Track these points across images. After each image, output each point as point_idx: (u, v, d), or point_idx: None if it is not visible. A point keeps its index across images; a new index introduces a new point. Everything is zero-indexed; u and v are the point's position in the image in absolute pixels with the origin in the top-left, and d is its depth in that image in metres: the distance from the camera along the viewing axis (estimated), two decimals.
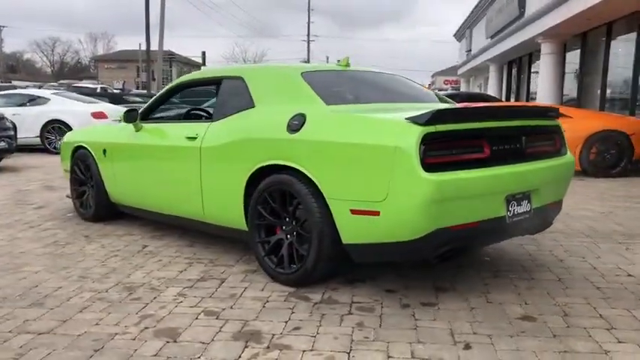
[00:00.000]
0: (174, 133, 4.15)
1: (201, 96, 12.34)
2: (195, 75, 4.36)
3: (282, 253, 3.38)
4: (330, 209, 3.08)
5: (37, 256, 4.07)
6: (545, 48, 14.34)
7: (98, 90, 29.35)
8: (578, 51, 14.16)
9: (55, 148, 11.71)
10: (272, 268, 3.42)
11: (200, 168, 3.85)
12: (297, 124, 3.25)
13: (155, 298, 3.19)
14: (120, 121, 4.70)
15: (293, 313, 2.94)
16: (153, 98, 4.69)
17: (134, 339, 2.65)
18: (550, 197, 3.47)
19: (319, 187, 3.11)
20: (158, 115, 5.00)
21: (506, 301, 3.09)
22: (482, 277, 3.52)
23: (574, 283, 3.41)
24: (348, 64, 4.08)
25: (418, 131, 2.76)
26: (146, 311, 2.99)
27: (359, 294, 3.22)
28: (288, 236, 3.39)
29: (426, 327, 2.75)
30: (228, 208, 3.71)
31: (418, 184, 2.72)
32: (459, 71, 35.08)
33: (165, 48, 29.08)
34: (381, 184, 2.84)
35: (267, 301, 3.11)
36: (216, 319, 2.88)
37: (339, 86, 3.66)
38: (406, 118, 2.85)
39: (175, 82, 4.51)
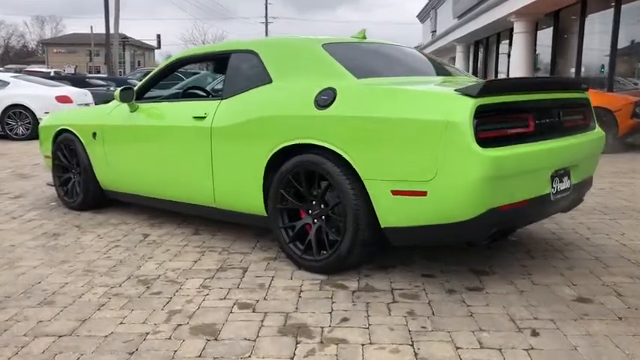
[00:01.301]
0: (178, 112, 3.84)
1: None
2: (197, 50, 4.04)
3: (310, 239, 3.15)
4: (367, 191, 2.86)
5: (29, 249, 3.72)
6: (518, 27, 14.36)
7: (52, 74, 28.13)
8: (551, 29, 14.24)
9: (16, 134, 11.09)
10: (298, 255, 3.19)
11: (211, 150, 3.56)
12: (326, 99, 3.01)
13: (177, 291, 2.92)
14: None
15: (334, 302, 2.73)
16: (147, 76, 4.35)
17: (169, 338, 2.39)
18: (585, 173, 3.34)
19: (354, 167, 2.88)
20: (150, 95, 4.65)
21: (553, 283, 2.95)
22: (516, 258, 3.37)
23: (611, 261, 3.30)
24: (364, 37, 3.84)
25: (471, 104, 2.56)
26: (172, 306, 2.72)
27: (396, 280, 3.02)
28: (316, 220, 3.16)
29: (481, 313, 2.58)
30: (244, 193, 3.44)
31: (473, 161, 2.53)
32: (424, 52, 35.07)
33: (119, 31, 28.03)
34: (429, 162, 2.63)
35: (302, 291, 2.88)
36: (253, 312, 2.64)
37: (363, 59, 3.42)
38: (456, 90, 2.65)
39: (173, 57, 4.18)
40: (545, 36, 14.67)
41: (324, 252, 3.10)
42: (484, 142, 2.58)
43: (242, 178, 3.43)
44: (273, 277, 3.11)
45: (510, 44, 16.28)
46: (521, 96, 2.81)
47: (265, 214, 3.40)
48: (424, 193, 2.68)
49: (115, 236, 4.01)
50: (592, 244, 3.65)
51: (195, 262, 3.40)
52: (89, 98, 12.13)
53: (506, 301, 2.72)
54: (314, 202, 3.16)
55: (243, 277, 3.12)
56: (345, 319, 2.54)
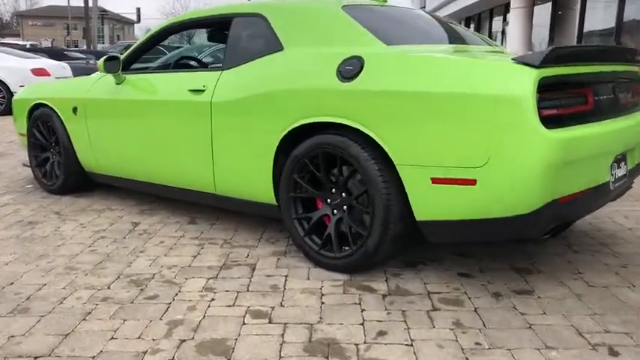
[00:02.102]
0: (171, 85, 3.36)
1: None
2: (195, 13, 3.54)
3: (330, 233, 2.73)
4: (401, 178, 2.44)
5: (0, 240, 3.24)
6: (515, 2, 13.91)
7: (28, 47, 27.05)
8: (549, 4, 13.82)
9: None
10: (315, 251, 2.76)
11: (211, 128, 3.10)
12: (351, 69, 2.56)
13: (176, 295, 2.48)
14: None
15: (364, 310, 2.31)
16: (135, 44, 3.84)
17: (172, 359, 1.96)
18: (638, 157, 2.95)
19: (386, 150, 2.45)
20: (138, 66, 4.16)
21: (611, 284, 2.57)
22: (557, 252, 2.99)
23: None
24: (385, 1, 3.38)
25: (534, 75, 2.13)
26: (172, 315, 2.29)
27: (430, 280, 2.62)
28: (335, 211, 2.73)
29: (541, 325, 2.18)
30: (250, 179, 3.00)
31: (537, 144, 2.11)
32: None
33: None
34: (480, 145, 2.21)
35: (323, 295, 2.47)
36: (270, 322, 2.21)
37: (390, 24, 2.96)
38: (514, 59, 2.22)
39: (167, 22, 3.68)
40: (543, 11, 14.25)
41: (346, 248, 2.68)
42: (546, 121, 2.17)
43: (248, 162, 2.98)
44: (286, 276, 2.68)
45: (504, 20, 15.85)
46: (582, 67, 2.39)
47: (275, 203, 2.96)
48: (472, 182, 2.26)
49: (101, 225, 3.55)
50: (638, 235, 3.28)
51: (195, 257, 2.96)
52: (68, 72, 11.49)
53: (565, 307, 2.33)
54: (334, 191, 2.73)
55: (252, 276, 2.69)
56: (381, 333, 2.12)
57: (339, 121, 2.57)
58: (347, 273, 2.69)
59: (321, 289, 2.53)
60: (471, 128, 2.22)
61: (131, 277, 2.69)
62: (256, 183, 2.98)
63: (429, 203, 2.40)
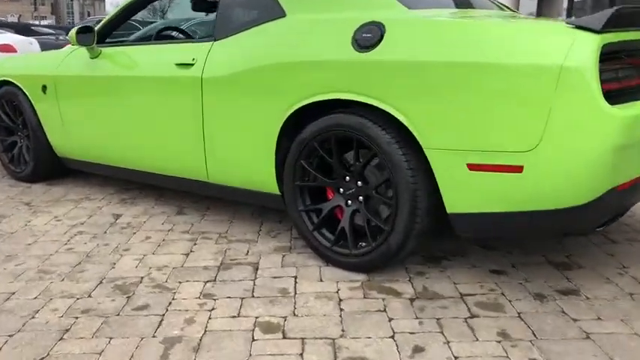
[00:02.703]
0: (155, 58, 2.96)
1: None
2: None
3: (343, 227, 2.39)
4: (431, 164, 2.10)
5: None
6: None
7: None
8: None
9: None
10: (326, 248, 2.43)
11: (202, 108, 2.72)
12: (370, 37, 2.19)
13: (170, 303, 2.13)
14: None
15: (392, 319, 1.99)
16: (111, 13, 3.41)
17: None
18: None
19: (412, 131, 2.10)
20: (115, 39, 3.73)
21: None
22: (593, 242, 2.69)
23: None
24: None
25: (596, 42, 1.80)
26: (167, 330, 1.93)
27: (460, 280, 2.30)
28: (350, 202, 2.39)
29: (601, 334, 1.88)
30: (248, 165, 2.64)
31: (601, 123, 1.78)
32: None
33: None
34: (529, 124, 1.87)
35: (341, 300, 2.13)
36: (284, 337, 1.88)
37: None
38: (568, 23, 1.88)
39: None
40: None
41: (363, 244, 2.34)
42: (609, 96, 1.84)
43: (246, 146, 2.61)
44: (295, 277, 2.34)
45: None
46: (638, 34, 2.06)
47: (278, 193, 2.61)
48: (519, 169, 1.93)
49: (78, 217, 3.15)
50: None
51: (187, 255, 2.60)
52: (36, 47, 10.83)
53: (620, 311, 2.04)
54: (347, 179, 2.38)
55: (256, 278, 2.34)
56: (418, 349, 1.80)
57: (355, 99, 2.21)
58: (364, 272, 2.36)
59: (337, 292, 2.20)
60: (518, 105, 1.88)
61: (115, 282, 2.32)
62: (256, 170, 2.62)
63: (463, 193, 2.06)
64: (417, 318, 1.99)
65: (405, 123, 2.11)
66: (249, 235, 2.85)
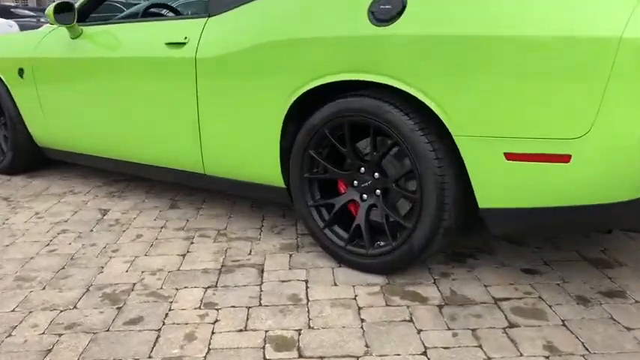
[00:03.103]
0: (142, 38, 2.67)
1: None
2: None
3: (359, 224, 2.14)
4: (461, 153, 1.84)
5: None
6: None
7: None
8: None
9: None
10: (340, 247, 2.18)
11: (196, 92, 2.45)
12: (389, 9, 1.92)
13: (167, 315, 1.87)
14: None
15: (421, 331, 1.75)
16: None
17: None
18: None
19: (440, 116, 1.85)
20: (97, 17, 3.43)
21: None
22: (631, 237, 2.47)
23: None
24: None
25: None
26: (165, 349, 1.68)
27: (490, 282, 2.07)
28: (365, 196, 2.14)
29: None
30: (249, 155, 2.37)
31: None
32: None
33: None
34: (581, 107, 1.62)
35: (360, 308, 1.89)
36: (300, 357, 1.63)
37: None
38: None
39: None
40: None
41: (381, 243, 2.10)
42: None
43: (246, 134, 2.34)
44: (306, 281, 2.10)
45: None
46: None
47: (283, 185, 2.35)
48: (565, 158, 1.69)
49: (61, 214, 2.88)
50: None
51: (184, 256, 2.34)
52: (15, 30, 10.43)
53: None
54: (363, 170, 2.12)
55: (262, 282, 2.09)
56: None
57: (372, 79, 1.94)
58: (382, 274, 2.12)
59: (355, 299, 1.96)
60: (567, 85, 1.63)
61: (104, 290, 2.06)
62: (258, 161, 2.36)
63: (499, 186, 1.82)
64: (449, 329, 1.76)
65: (432, 107, 1.85)
66: (251, 232, 2.59)
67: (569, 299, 1.92)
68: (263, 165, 2.36)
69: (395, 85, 1.90)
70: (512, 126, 1.73)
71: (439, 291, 2.00)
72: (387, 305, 1.91)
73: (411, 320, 1.81)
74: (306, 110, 2.21)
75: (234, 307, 1.92)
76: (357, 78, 1.97)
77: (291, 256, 2.32)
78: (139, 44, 2.65)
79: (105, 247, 2.44)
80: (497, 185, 1.82)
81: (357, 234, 2.15)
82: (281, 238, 2.52)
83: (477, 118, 1.78)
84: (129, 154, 2.87)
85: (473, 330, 1.75)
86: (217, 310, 1.90)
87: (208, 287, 2.06)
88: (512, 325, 1.77)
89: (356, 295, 1.98)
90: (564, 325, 1.77)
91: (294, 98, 2.15)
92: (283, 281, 2.10)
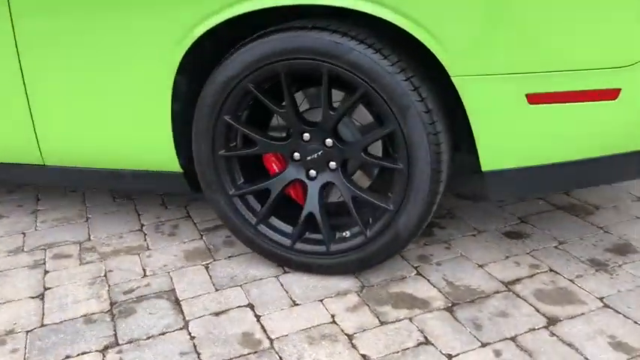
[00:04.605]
0: None
1: None
2: None
3: (312, 212, 1.52)
4: (463, 100, 1.31)
5: None
6: None
7: None
8: None
9: None
10: (286, 248, 1.56)
11: (15, 44, 1.57)
12: None
13: None
14: None
15: (453, 358, 1.24)
16: None
17: None
18: None
19: (433, 50, 1.28)
20: None
21: None
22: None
23: None
24: None
25: None
26: None
27: (482, 259, 1.63)
28: (314, 173, 1.52)
29: None
30: (116, 132, 1.60)
31: None
32: None
33: None
34: (629, 26, 1.18)
35: (351, 337, 1.32)
36: None
37: None
38: None
39: None
40: None
41: (347, 233, 1.52)
42: None
43: (108, 101, 1.56)
44: (252, 307, 1.45)
45: None
46: None
47: (179, 170, 1.63)
48: (612, 94, 1.25)
49: None
50: None
51: (42, 298, 1.53)
52: None
53: None
54: (307, 137, 1.49)
55: (186, 322, 1.41)
56: None
57: (328, 3, 1.30)
58: (347, 274, 1.56)
59: (334, 321, 1.37)
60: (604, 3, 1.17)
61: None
62: (132, 139, 1.60)
63: (517, 141, 1.34)
64: (483, 344, 1.28)
65: (420, 38, 1.27)
66: (130, 237, 1.83)
67: (585, 267, 1.56)
68: (141, 144, 1.60)
69: (366, 11, 1.28)
70: (539, 57, 1.24)
71: (433, 286, 1.50)
72: (382, 323, 1.36)
73: (427, 342, 1.29)
74: (205, 58, 1.49)
75: None
76: (303, 2, 1.30)
77: (207, 267, 1.64)
78: None
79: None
80: (513, 140, 1.33)
81: (308, 226, 1.54)
82: (178, 240, 1.80)
83: (487, 51, 1.25)
84: None
85: (512, 339, 1.29)
86: None
87: (105, 349, 1.31)
88: (552, 321, 1.34)
89: (333, 316, 1.40)
90: (608, 306, 1.39)
91: (191, 41, 1.42)
92: (217, 313, 1.43)
